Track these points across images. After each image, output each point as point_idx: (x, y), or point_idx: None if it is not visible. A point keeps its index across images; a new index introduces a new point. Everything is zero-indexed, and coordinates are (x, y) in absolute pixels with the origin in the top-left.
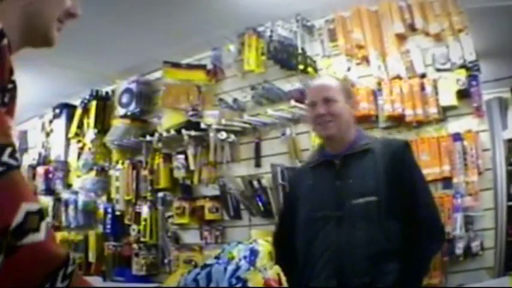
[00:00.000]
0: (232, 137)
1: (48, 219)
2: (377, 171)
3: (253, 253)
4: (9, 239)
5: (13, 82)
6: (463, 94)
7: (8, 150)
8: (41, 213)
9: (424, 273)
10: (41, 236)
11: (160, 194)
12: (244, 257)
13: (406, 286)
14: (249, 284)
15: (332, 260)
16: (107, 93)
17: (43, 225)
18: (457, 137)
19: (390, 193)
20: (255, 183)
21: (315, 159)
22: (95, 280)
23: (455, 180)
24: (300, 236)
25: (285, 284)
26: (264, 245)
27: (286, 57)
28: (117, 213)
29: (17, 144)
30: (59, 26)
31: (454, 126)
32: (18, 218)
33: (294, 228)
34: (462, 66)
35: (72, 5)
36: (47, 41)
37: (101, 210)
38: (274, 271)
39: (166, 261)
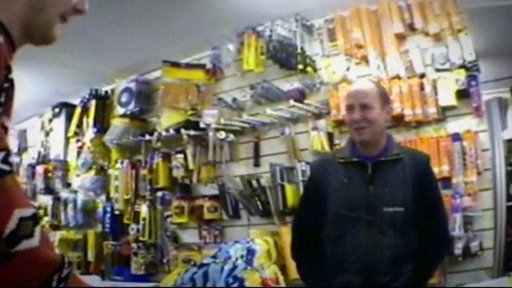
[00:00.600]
0: (231, 136)
1: (47, 218)
2: (405, 182)
3: (251, 252)
4: (3, 246)
5: (10, 81)
6: (462, 94)
7: (1, 155)
8: (35, 218)
9: (431, 276)
10: (35, 241)
11: (159, 193)
12: (241, 257)
13: (417, 285)
14: (246, 284)
15: (360, 258)
16: (106, 92)
17: (37, 230)
18: (456, 137)
19: (414, 205)
20: (254, 182)
21: (345, 154)
22: (93, 279)
23: (454, 180)
24: (329, 229)
25: (282, 283)
26: (261, 245)
27: (285, 56)
28: (116, 212)
29: (16, 143)
30: (62, 23)
31: (454, 126)
32: (12, 224)
33: (320, 219)
34: (461, 66)
35: (78, 1)
36: (47, 38)
37: (100, 209)
38: (271, 270)
39: (165, 260)
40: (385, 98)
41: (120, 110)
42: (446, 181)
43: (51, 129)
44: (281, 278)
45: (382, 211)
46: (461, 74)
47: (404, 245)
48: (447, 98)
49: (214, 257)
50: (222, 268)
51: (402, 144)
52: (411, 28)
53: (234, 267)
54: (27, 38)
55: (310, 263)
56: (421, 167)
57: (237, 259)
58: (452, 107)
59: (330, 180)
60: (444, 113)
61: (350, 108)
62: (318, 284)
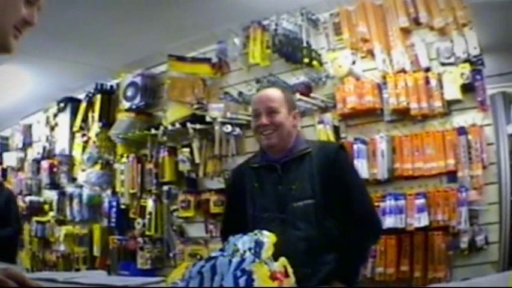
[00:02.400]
0: (238, 130)
1: (53, 213)
2: (312, 174)
3: (258, 245)
4: None
5: None
6: (467, 88)
7: None
8: None
9: (361, 261)
10: None
11: (165, 188)
12: (249, 249)
13: (343, 272)
14: (254, 276)
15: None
16: (111, 86)
17: None
18: (461, 130)
19: (325, 194)
20: None
21: (257, 160)
22: (99, 274)
23: (459, 174)
24: (249, 230)
25: (291, 276)
26: (269, 236)
27: (291, 50)
28: (122, 206)
29: (20, 138)
30: (16, 33)
31: (459, 120)
32: None
33: (242, 224)
34: (466, 61)
35: (27, 14)
36: (5, 47)
37: (106, 204)
38: (280, 263)
39: (171, 254)
40: (291, 103)
41: (125, 104)
42: (452, 175)
43: (56, 124)
44: (290, 270)
45: (292, 207)
46: (466, 68)
47: (321, 235)
48: (452, 92)
49: (222, 250)
50: (230, 261)
51: (317, 140)
52: (416, 22)
53: (242, 260)
54: None
55: None
56: (328, 156)
57: (244, 252)
58: (457, 101)
59: (245, 186)
60: (449, 106)
61: (257, 114)
62: None
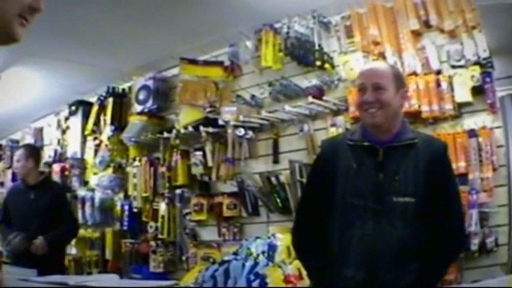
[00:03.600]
0: (250, 133)
1: None
2: (418, 170)
3: (272, 248)
4: None
5: None
6: (477, 91)
7: None
8: None
9: (441, 277)
10: None
11: (178, 191)
12: (263, 253)
13: (423, 286)
14: (268, 280)
15: (366, 252)
16: (123, 90)
17: None
18: (472, 133)
19: (427, 196)
20: (273, 179)
21: (356, 137)
22: (111, 277)
23: (470, 176)
24: (335, 218)
25: (305, 279)
26: (282, 240)
27: (303, 53)
28: (135, 210)
29: (32, 141)
30: (22, 22)
31: (469, 122)
32: None
33: (325, 205)
34: (476, 63)
35: (32, 0)
36: (12, 37)
37: (118, 208)
38: (294, 266)
39: (184, 258)
40: (400, 80)
41: (137, 108)
42: (463, 177)
43: (67, 127)
44: (304, 273)
45: (391, 201)
46: (476, 71)
47: (413, 239)
48: (463, 94)
49: (235, 253)
50: (244, 265)
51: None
52: (426, 25)
53: (256, 264)
54: None
55: (312, 253)
56: (436, 155)
57: (258, 255)
58: (468, 104)
59: (339, 165)
60: (460, 109)
61: (362, 88)
62: (320, 279)
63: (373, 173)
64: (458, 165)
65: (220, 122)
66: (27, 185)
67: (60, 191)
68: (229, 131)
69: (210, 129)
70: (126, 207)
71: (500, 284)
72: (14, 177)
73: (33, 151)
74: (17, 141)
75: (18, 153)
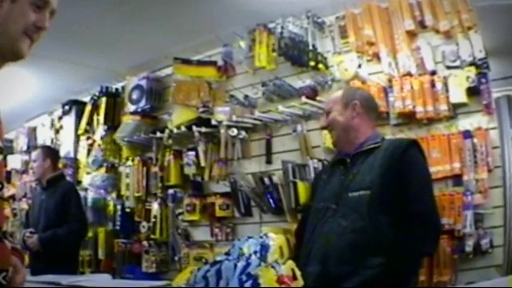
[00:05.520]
0: (243, 133)
1: None
2: (375, 166)
3: (264, 248)
4: None
5: None
6: (472, 91)
7: None
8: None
9: (412, 272)
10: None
11: (170, 191)
12: (255, 253)
13: (390, 281)
14: (261, 281)
15: (321, 247)
16: (117, 89)
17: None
18: (467, 134)
19: (384, 187)
20: (266, 180)
21: (334, 158)
22: (103, 277)
23: (465, 177)
24: (307, 225)
25: (300, 279)
26: (274, 239)
27: (297, 53)
28: (127, 210)
29: (25, 141)
30: (27, 40)
31: (464, 123)
32: None
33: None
34: (472, 64)
35: (38, 19)
36: (17, 54)
37: (111, 207)
38: (287, 266)
39: (176, 258)
40: (348, 96)
41: (131, 107)
42: (458, 178)
43: (61, 127)
44: (298, 273)
45: (347, 197)
46: (472, 72)
47: (372, 231)
48: (458, 95)
49: (227, 254)
50: (235, 265)
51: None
52: (422, 25)
53: (248, 264)
54: (1, 58)
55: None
56: (396, 150)
57: (250, 255)
58: (462, 104)
59: (318, 183)
60: (455, 110)
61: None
62: None
63: (338, 178)
64: (453, 166)
65: (213, 122)
66: (42, 187)
67: (69, 190)
68: (222, 131)
69: (203, 129)
70: (119, 207)
71: (497, 285)
72: (7, 177)
73: (51, 152)
74: (11, 141)
75: (36, 153)
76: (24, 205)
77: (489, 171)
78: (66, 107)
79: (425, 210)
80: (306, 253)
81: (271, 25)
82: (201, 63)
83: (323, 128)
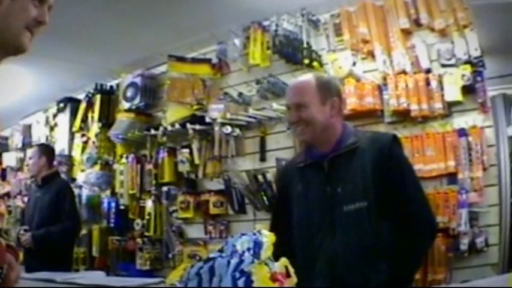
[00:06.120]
0: (237, 131)
1: None
2: (365, 172)
3: (257, 245)
4: None
5: None
6: (468, 90)
7: None
8: None
9: (415, 269)
10: None
11: (164, 188)
12: (248, 249)
13: (397, 283)
14: (254, 278)
15: (327, 263)
16: (111, 87)
17: None
18: (462, 132)
19: (379, 194)
20: (260, 177)
21: (302, 158)
22: (97, 274)
23: (460, 175)
24: (296, 239)
25: (293, 276)
26: (268, 236)
27: (291, 51)
28: (121, 207)
29: (20, 138)
30: (28, 34)
31: (459, 121)
32: None
33: (289, 228)
34: (467, 62)
35: (38, 14)
36: (19, 48)
37: (105, 205)
38: (281, 264)
39: (170, 255)
40: (326, 91)
41: (125, 105)
42: (452, 176)
43: (55, 124)
44: (292, 270)
45: (342, 211)
46: (467, 70)
47: (375, 239)
48: (453, 93)
49: (220, 250)
50: (229, 262)
51: (367, 130)
52: (417, 23)
53: (241, 261)
54: (3, 52)
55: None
56: (381, 150)
57: (243, 252)
58: (458, 103)
59: (291, 189)
60: (450, 108)
61: (288, 108)
62: None
63: (321, 188)
64: (448, 164)
65: (208, 120)
66: (37, 184)
67: (63, 188)
68: (216, 128)
69: (197, 127)
70: (113, 205)
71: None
72: (3, 174)
73: (47, 149)
74: (6, 138)
75: (32, 151)
76: (19, 202)
77: (484, 169)
78: (61, 105)
79: (420, 209)
80: (307, 271)
81: (265, 23)
82: (195, 60)
83: (293, 123)
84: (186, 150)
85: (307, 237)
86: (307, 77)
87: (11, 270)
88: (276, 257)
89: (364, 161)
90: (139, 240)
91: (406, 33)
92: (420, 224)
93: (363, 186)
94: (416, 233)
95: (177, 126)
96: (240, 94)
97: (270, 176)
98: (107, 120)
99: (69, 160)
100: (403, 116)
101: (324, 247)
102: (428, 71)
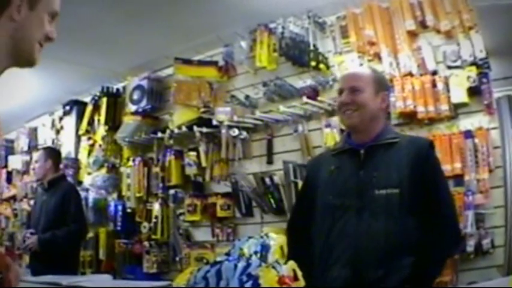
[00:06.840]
0: (244, 133)
1: None
2: (401, 164)
3: (265, 248)
4: None
5: None
6: (473, 91)
7: None
8: None
9: (437, 272)
10: None
11: (171, 191)
12: (255, 253)
13: (418, 283)
14: (261, 281)
15: (349, 249)
16: (117, 89)
17: None
18: (468, 134)
19: (413, 188)
20: (267, 180)
21: (339, 146)
22: (104, 278)
23: (466, 177)
24: (317, 222)
25: (301, 280)
26: (275, 239)
27: (298, 53)
28: (128, 210)
29: (26, 141)
30: (40, 48)
31: (465, 123)
32: None
33: (311, 216)
34: (473, 64)
35: (50, 30)
36: (31, 61)
37: (112, 208)
38: (289, 267)
39: (177, 258)
40: (381, 83)
41: (131, 108)
42: (459, 178)
43: (62, 127)
44: (300, 273)
45: (373, 194)
46: (473, 72)
47: (402, 232)
48: (459, 95)
49: (227, 254)
50: (236, 266)
51: (406, 133)
52: (423, 25)
53: (248, 265)
54: (12, 63)
55: (302, 264)
56: (421, 151)
57: (251, 255)
58: (464, 104)
59: (321, 172)
60: (456, 110)
61: (340, 91)
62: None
63: (354, 171)
64: (454, 166)
65: (214, 122)
66: (43, 188)
67: (69, 191)
68: (223, 131)
69: (204, 130)
70: (120, 208)
71: (498, 285)
72: (8, 178)
73: (53, 153)
74: (12, 141)
75: (38, 154)
76: (25, 205)
77: (490, 171)
78: (67, 107)
79: (451, 214)
80: (324, 255)
81: (272, 25)
82: (202, 63)
83: (344, 104)
84: (193, 153)
85: (330, 220)
86: (365, 68)
87: (8, 271)
88: (295, 242)
89: (401, 156)
90: (146, 243)
91: (412, 35)
92: (447, 228)
93: (397, 176)
94: (443, 237)
95: (184, 129)
96: (247, 97)
97: (277, 179)
98: (113, 123)
99: (75, 163)
100: (409, 118)
101: (346, 232)
102: (434, 72)
